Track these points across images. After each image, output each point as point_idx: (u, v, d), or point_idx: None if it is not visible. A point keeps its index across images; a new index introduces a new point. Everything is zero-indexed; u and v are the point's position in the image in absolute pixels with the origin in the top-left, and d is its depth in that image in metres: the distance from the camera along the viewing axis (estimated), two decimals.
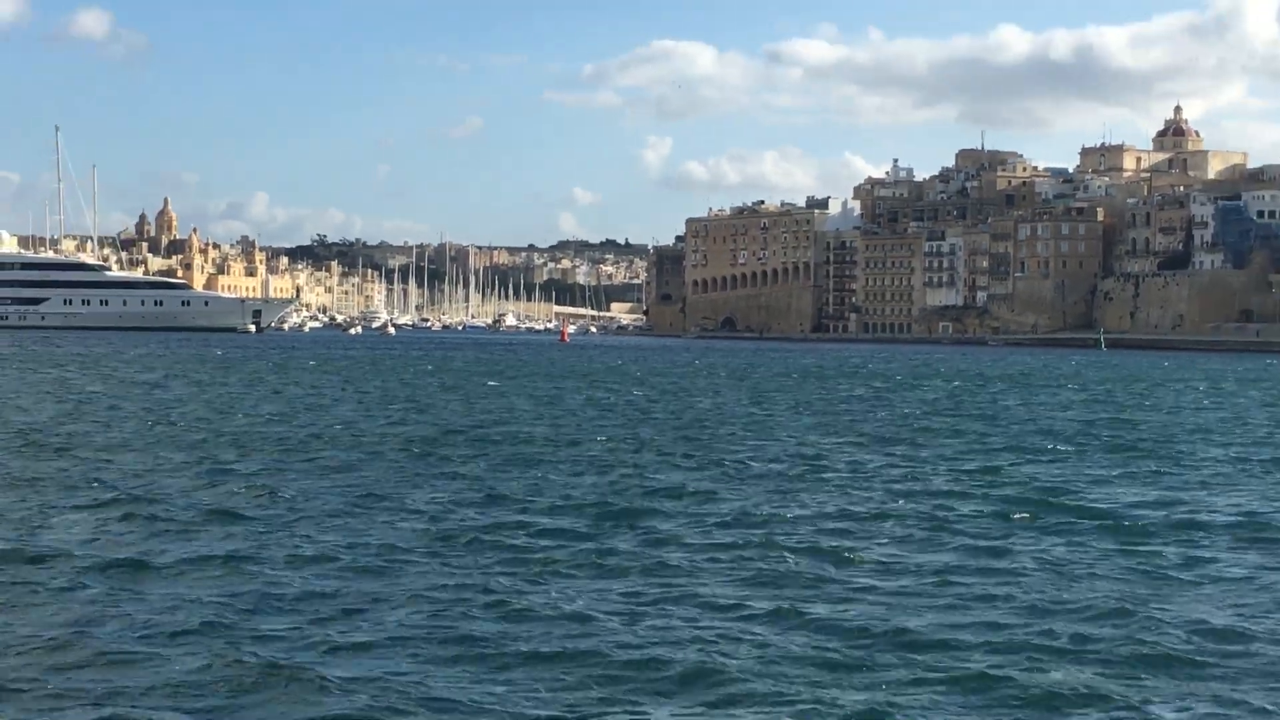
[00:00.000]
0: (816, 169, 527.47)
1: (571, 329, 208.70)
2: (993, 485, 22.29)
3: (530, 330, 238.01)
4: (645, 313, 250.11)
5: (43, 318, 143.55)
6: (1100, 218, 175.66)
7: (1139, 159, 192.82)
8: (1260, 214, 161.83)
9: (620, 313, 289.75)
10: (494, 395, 49.37)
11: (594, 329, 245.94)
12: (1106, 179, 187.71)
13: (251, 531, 15.79)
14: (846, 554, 15.25)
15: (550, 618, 11.61)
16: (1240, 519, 19.30)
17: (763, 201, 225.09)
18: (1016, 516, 18.55)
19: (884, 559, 15.34)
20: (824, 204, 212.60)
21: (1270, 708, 9.92)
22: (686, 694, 9.97)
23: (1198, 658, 11.21)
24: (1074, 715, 9.86)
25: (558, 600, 12.20)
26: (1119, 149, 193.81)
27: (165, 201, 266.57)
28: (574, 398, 46.49)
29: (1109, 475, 24.66)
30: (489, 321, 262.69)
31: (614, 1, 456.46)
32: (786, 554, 14.69)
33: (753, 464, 24.49)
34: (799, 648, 11.35)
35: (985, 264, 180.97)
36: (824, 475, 23.63)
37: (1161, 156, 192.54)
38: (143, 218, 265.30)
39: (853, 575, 14.50)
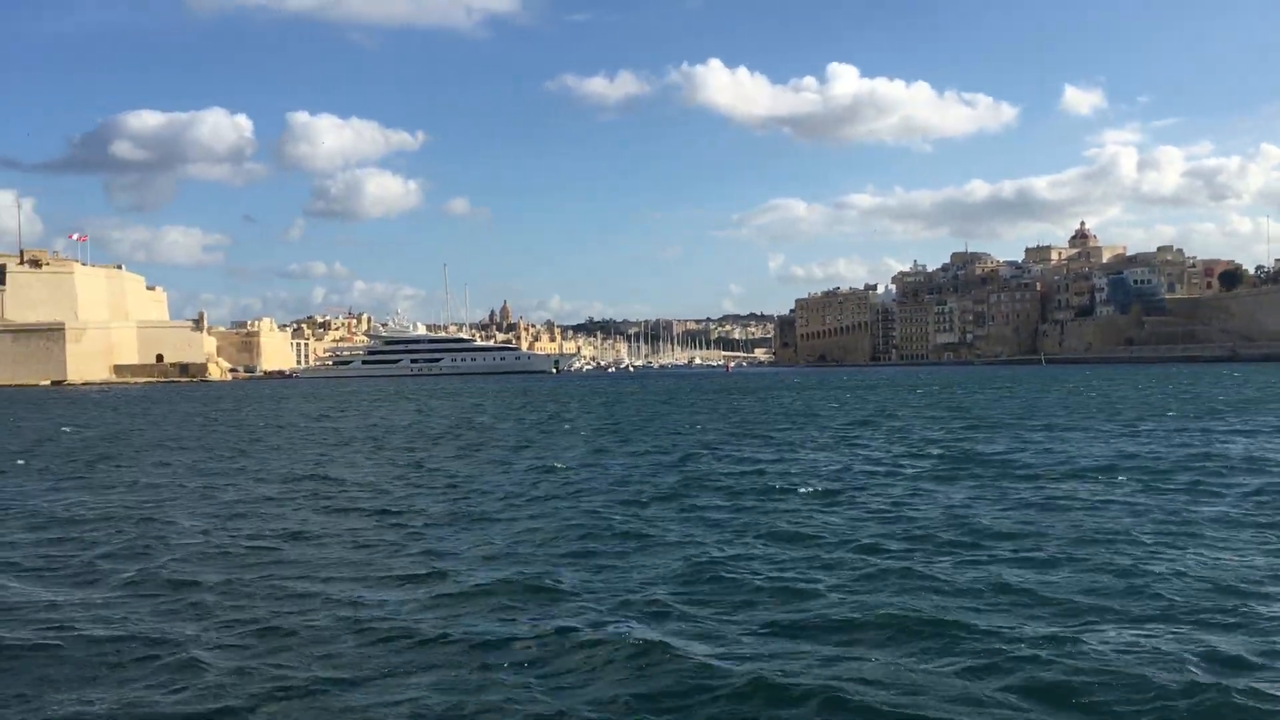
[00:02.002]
0: (868, 268, 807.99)
1: (732, 365, 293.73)
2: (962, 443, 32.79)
3: (709, 366, 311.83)
4: (774, 354, 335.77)
5: (440, 369, 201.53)
6: (1038, 289, 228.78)
7: (1060, 253, 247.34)
8: (1136, 281, 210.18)
9: (760, 354, 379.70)
10: (715, 392, 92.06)
11: (745, 364, 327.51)
12: (1041, 265, 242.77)
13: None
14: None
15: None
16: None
17: (838, 287, 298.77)
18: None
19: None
20: (875, 287, 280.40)
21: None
22: None
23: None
24: None
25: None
26: (1048, 248, 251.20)
27: (505, 303, 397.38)
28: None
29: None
30: (685, 362, 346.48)
31: (745, 175, 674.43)
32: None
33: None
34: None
35: (971, 318, 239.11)
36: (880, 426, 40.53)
37: (1073, 251, 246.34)
38: (492, 312, 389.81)
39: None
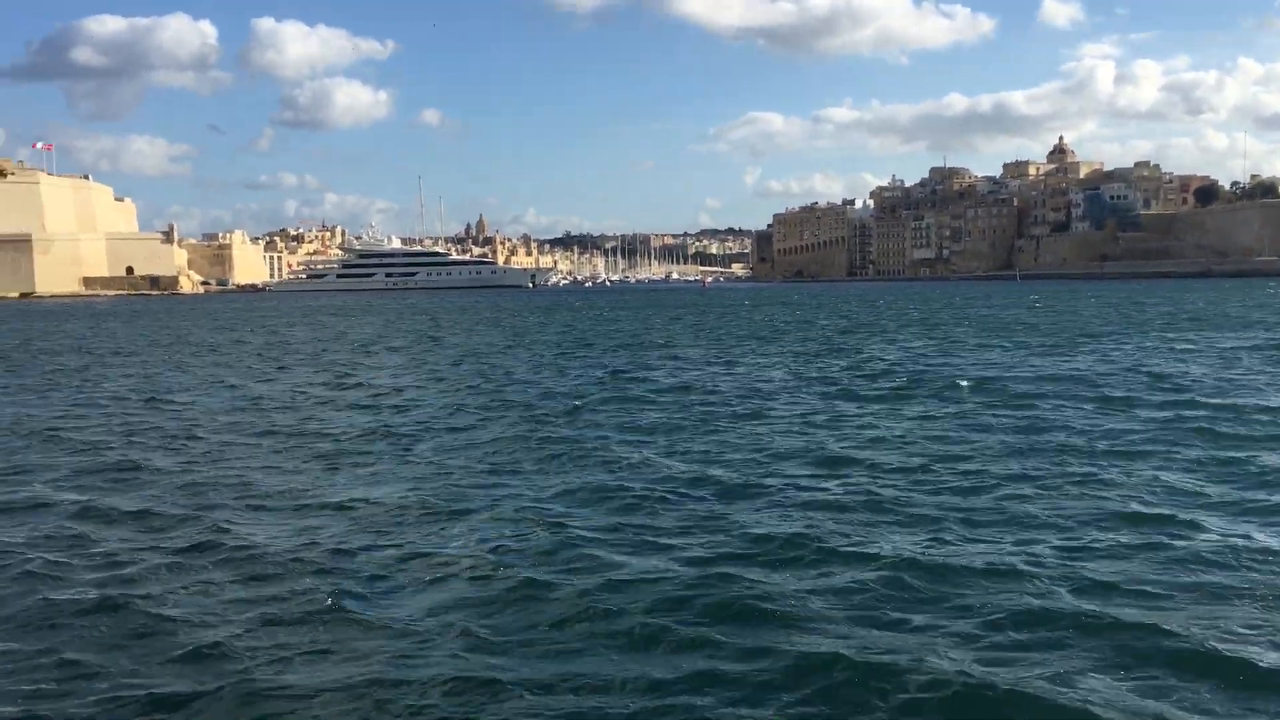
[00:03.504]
0: (845, 183, 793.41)
1: (709, 280, 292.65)
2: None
3: (685, 281, 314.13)
4: (751, 269, 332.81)
5: (415, 283, 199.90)
6: (1015, 204, 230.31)
7: (1037, 169, 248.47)
8: (1112, 198, 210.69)
9: (737, 269, 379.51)
10: (684, 307, 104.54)
11: (721, 279, 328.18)
12: (1018, 181, 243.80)
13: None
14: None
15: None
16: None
17: (816, 203, 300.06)
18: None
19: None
20: (852, 203, 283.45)
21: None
22: None
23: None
24: None
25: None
26: (1026, 163, 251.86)
27: (480, 216, 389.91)
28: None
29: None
30: (662, 277, 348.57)
31: (722, 89, 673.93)
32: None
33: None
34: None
35: (948, 233, 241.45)
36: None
37: (1051, 166, 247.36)
38: (468, 226, 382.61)
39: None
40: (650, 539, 10.92)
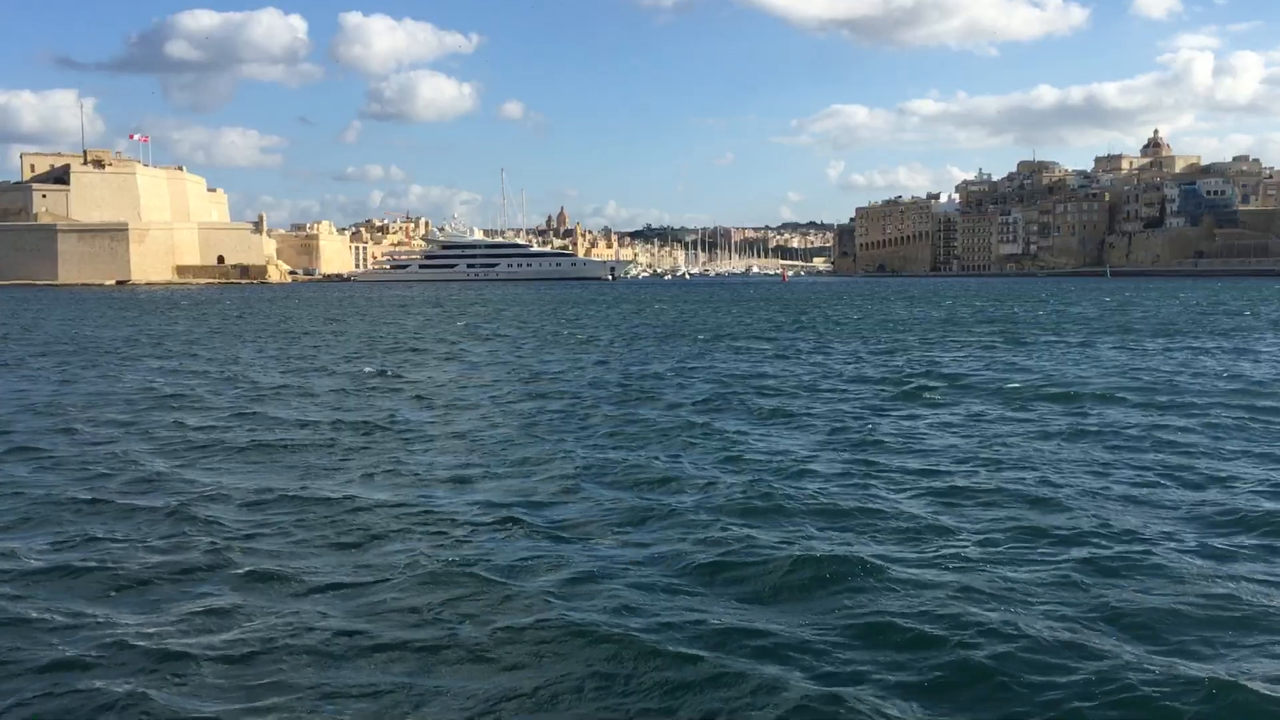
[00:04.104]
0: (930, 176, 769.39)
1: (789, 274, 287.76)
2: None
3: (765, 275, 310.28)
4: (833, 263, 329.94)
5: (496, 274, 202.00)
6: (1106, 199, 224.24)
7: (1130, 162, 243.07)
8: (1208, 193, 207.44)
9: (819, 264, 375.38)
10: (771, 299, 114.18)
11: (802, 273, 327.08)
12: (1110, 175, 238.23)
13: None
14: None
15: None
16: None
17: (900, 196, 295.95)
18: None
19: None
20: (937, 197, 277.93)
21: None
22: None
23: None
24: None
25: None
26: (1119, 157, 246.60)
27: (561, 209, 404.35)
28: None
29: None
30: (742, 270, 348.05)
31: (805, 81, 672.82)
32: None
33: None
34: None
35: (1035, 229, 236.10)
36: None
37: (1144, 160, 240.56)
38: (549, 218, 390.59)
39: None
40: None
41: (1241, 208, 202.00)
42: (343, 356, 35.82)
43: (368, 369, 30.46)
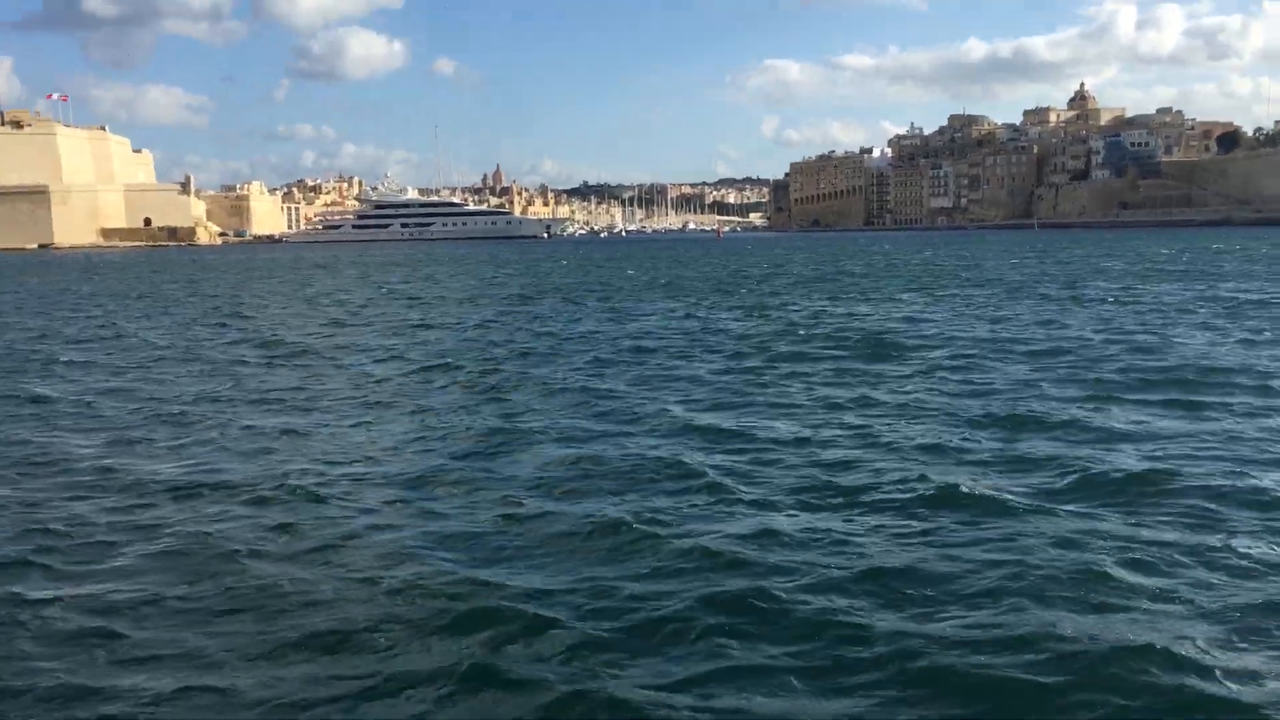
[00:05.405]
0: (863, 131, 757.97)
1: (724, 229, 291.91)
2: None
3: (702, 230, 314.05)
4: (769, 219, 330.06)
5: (430, 233, 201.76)
6: (1035, 152, 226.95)
7: (1058, 115, 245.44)
8: (1132, 145, 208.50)
9: (755, 219, 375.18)
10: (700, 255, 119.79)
11: (738, 229, 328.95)
12: (1038, 128, 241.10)
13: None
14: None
15: None
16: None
17: (833, 151, 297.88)
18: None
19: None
20: (870, 151, 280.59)
21: None
22: None
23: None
24: None
25: None
26: (1046, 110, 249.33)
27: (498, 167, 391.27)
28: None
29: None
30: (679, 227, 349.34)
31: (739, 34, 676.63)
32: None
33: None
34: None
35: (966, 182, 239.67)
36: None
37: (1071, 113, 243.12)
38: (485, 176, 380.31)
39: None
40: None
41: (1164, 159, 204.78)
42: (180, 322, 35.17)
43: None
